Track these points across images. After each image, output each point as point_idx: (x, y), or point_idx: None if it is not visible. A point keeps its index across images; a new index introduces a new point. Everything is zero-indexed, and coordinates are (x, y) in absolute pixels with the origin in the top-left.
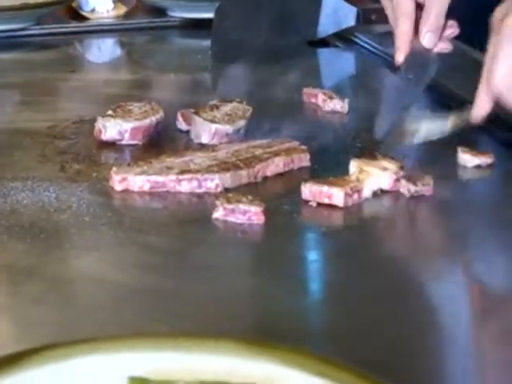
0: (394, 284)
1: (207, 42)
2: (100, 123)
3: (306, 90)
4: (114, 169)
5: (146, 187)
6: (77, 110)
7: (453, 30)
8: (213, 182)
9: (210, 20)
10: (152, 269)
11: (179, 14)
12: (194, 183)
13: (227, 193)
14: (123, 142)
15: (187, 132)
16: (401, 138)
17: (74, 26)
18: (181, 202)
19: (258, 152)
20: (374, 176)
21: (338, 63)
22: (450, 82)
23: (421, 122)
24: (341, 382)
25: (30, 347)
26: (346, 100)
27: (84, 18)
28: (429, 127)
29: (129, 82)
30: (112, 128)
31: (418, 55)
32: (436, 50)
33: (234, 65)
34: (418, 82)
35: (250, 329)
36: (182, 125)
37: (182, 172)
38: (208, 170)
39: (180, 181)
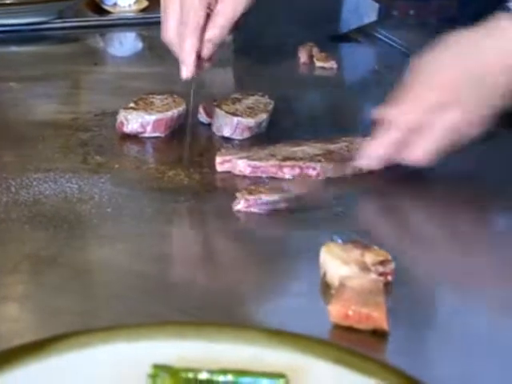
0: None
1: (229, 36)
2: (122, 115)
3: None
4: (222, 150)
5: (247, 171)
6: (99, 102)
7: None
8: (314, 171)
9: None
10: (174, 259)
11: None
12: (296, 170)
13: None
14: (145, 135)
15: (209, 125)
16: None
17: (95, 19)
18: (200, 196)
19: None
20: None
21: (359, 58)
22: None
23: None
24: (361, 371)
25: (54, 334)
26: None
27: (106, 12)
28: None
29: (150, 76)
30: (134, 120)
31: None
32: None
33: (255, 58)
34: None
35: (271, 319)
36: (203, 118)
37: (285, 159)
38: (312, 158)
39: (282, 167)
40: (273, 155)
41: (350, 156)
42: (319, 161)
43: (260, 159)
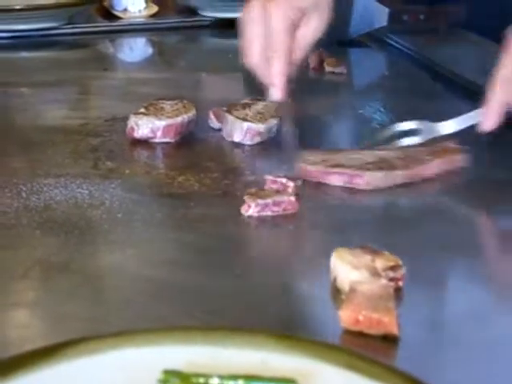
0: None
1: (238, 42)
2: (132, 121)
3: None
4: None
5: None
6: (109, 107)
7: None
8: (362, 179)
9: None
10: (183, 264)
11: (211, 13)
12: (345, 177)
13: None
14: (155, 140)
15: (219, 130)
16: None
17: (105, 25)
18: (210, 201)
19: (418, 153)
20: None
21: (369, 63)
22: None
23: None
24: (371, 376)
25: (64, 340)
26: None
27: (116, 17)
28: None
29: (160, 81)
30: (144, 126)
31: None
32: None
33: None
34: None
35: (281, 323)
36: (214, 123)
37: (333, 166)
38: (362, 166)
39: (329, 174)
40: (324, 160)
41: (402, 164)
42: (368, 169)
43: (310, 164)
